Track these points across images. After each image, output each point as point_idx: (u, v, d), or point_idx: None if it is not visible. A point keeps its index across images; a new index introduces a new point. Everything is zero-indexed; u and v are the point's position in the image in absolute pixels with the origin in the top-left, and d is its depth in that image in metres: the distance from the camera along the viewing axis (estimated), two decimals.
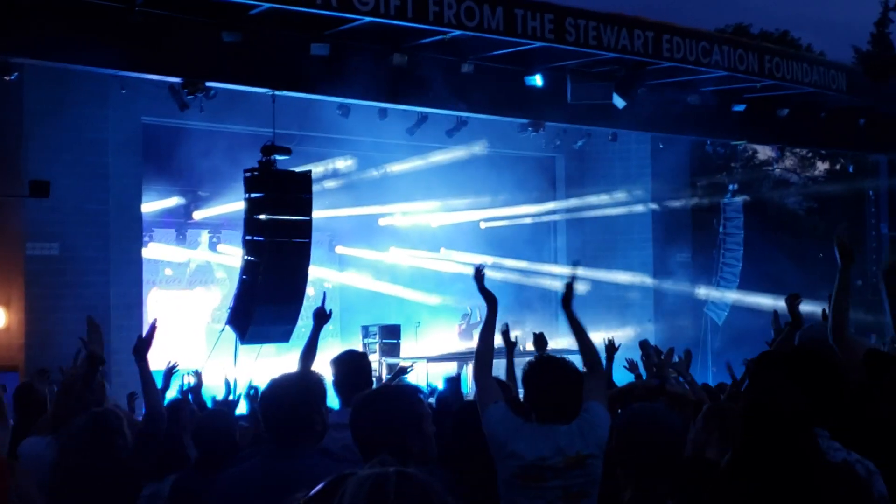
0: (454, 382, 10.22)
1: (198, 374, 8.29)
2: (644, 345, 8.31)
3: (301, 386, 4.53)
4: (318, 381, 4.61)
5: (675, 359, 7.92)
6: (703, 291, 22.32)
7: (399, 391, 4.75)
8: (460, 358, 18.91)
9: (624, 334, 20.86)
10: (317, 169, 16.25)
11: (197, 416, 6.75)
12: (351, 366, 6.30)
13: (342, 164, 19.69)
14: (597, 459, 5.05)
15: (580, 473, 4.99)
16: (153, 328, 6.15)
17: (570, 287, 5.67)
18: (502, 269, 20.31)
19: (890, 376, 4.59)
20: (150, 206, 17.99)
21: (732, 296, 21.75)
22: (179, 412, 6.77)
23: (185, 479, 5.73)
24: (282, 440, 4.38)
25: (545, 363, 5.27)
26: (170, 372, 8.15)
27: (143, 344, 6.12)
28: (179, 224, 20.11)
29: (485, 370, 5.39)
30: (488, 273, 5.71)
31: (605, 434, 5.10)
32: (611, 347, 9.08)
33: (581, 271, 5.43)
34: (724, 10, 45.71)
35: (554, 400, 5.11)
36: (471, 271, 5.85)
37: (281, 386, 4.50)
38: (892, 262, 5.62)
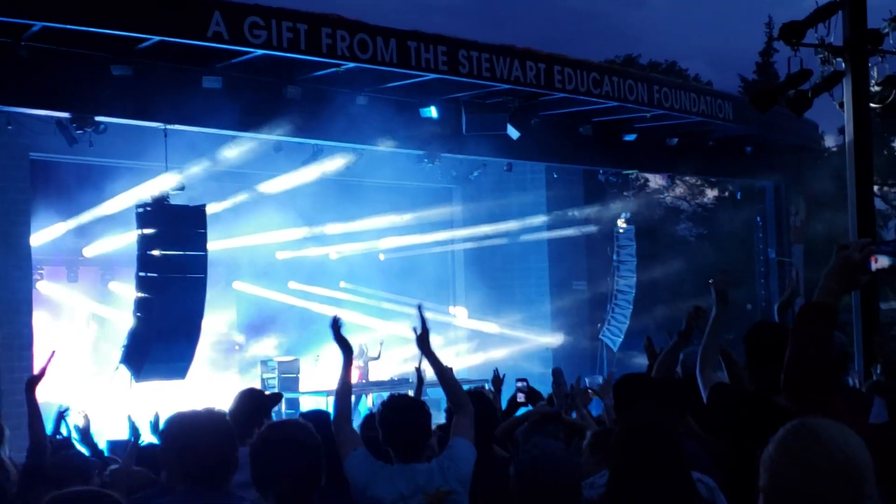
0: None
1: (85, 417, 8.03)
2: (556, 373, 8.36)
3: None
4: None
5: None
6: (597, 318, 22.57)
7: (303, 424, 4.72)
8: (359, 390, 18.88)
9: (522, 362, 21.06)
10: (210, 202, 15.95)
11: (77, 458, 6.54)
12: (252, 402, 6.30)
13: (235, 197, 19.44)
14: (459, 495, 5.08)
15: None
16: (51, 359, 6.13)
17: (424, 329, 5.66)
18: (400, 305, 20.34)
19: None
20: (39, 238, 17.42)
21: (626, 321, 22.02)
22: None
23: None
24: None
25: (394, 403, 5.28)
26: (60, 416, 7.93)
27: (36, 377, 6.08)
28: (70, 262, 19.65)
29: (343, 420, 5.35)
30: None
31: (468, 469, 5.15)
32: (496, 380, 9.19)
33: (427, 313, 5.28)
34: (614, 41, 46.56)
35: (405, 438, 5.13)
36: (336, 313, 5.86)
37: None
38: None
